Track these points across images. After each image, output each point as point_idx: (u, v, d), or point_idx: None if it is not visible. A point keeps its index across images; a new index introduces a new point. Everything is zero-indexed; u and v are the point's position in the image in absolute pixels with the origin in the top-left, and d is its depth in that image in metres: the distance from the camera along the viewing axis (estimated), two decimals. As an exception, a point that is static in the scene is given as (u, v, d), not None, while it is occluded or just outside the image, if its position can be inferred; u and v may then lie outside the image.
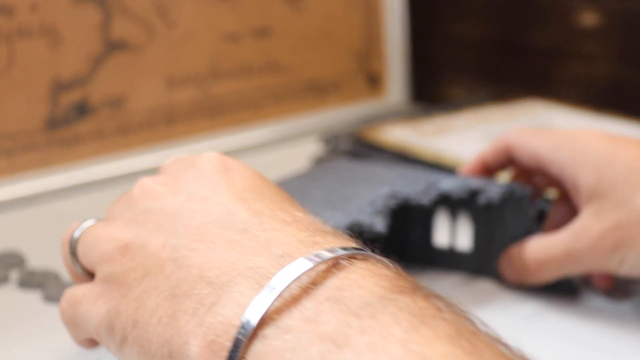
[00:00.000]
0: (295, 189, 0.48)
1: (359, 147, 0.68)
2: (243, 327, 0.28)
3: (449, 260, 0.53)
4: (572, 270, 0.47)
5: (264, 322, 0.28)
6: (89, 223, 0.38)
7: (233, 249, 0.32)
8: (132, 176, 0.70)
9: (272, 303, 0.28)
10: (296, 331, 0.27)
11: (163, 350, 0.31)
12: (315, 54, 0.82)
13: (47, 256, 0.55)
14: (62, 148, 0.68)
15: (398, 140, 0.68)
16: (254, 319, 0.28)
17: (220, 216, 0.34)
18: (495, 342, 0.27)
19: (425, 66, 0.92)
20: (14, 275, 0.53)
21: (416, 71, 0.91)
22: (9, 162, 0.65)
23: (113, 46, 0.69)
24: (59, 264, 0.53)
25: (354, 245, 0.32)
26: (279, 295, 0.29)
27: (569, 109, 0.75)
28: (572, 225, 0.46)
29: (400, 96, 0.89)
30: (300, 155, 0.73)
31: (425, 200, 0.49)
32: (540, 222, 0.51)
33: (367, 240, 0.40)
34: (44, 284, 0.51)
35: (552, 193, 0.53)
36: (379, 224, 0.45)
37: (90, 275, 0.38)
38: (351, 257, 0.31)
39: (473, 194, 0.50)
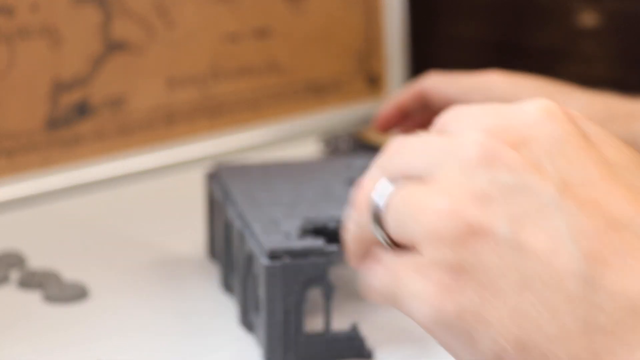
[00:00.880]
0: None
1: (359, 147, 0.68)
2: None
3: None
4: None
5: None
6: (389, 186, 0.30)
7: None
8: (132, 176, 0.70)
9: None
10: None
11: None
12: (316, 54, 0.82)
13: (47, 256, 0.55)
14: (62, 148, 0.68)
15: (398, 140, 0.68)
16: None
17: (623, 216, 0.25)
18: None
19: (425, 67, 0.92)
20: (14, 275, 0.52)
21: (416, 72, 0.91)
22: (9, 162, 0.65)
23: (113, 46, 0.69)
24: (59, 264, 0.53)
25: None
26: None
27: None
28: None
29: (400, 96, 0.89)
30: (300, 155, 0.73)
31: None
32: None
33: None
34: (44, 284, 0.51)
35: None
36: None
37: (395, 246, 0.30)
38: None
39: None
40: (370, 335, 0.43)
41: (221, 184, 0.52)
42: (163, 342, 0.45)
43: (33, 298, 0.50)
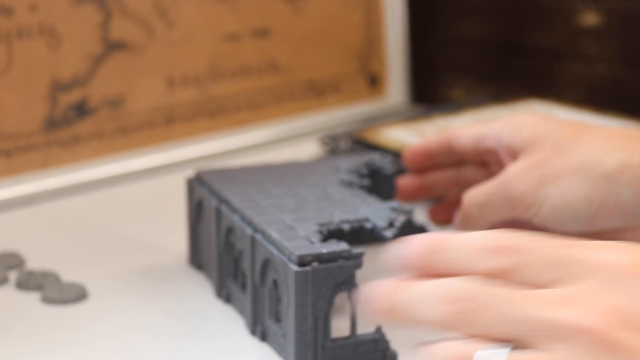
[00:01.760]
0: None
1: (359, 148, 0.68)
2: None
3: None
4: (504, 212, 0.49)
5: None
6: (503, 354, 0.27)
7: None
8: (132, 176, 0.70)
9: None
10: None
11: None
12: (316, 54, 0.82)
13: (46, 257, 0.55)
14: (61, 148, 0.68)
15: (398, 141, 0.68)
16: None
17: None
18: None
19: (425, 67, 0.92)
20: (13, 276, 0.52)
21: (416, 72, 0.91)
22: (9, 163, 0.65)
23: (113, 46, 0.69)
24: (58, 265, 0.53)
25: None
26: None
27: (569, 110, 0.75)
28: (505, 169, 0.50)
29: (401, 97, 0.89)
30: (300, 155, 0.73)
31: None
32: None
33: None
34: (43, 285, 0.51)
35: None
36: (388, 232, 0.45)
37: None
38: None
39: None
40: (394, 337, 0.43)
41: (210, 189, 0.51)
42: (163, 343, 0.45)
43: (32, 299, 0.50)
